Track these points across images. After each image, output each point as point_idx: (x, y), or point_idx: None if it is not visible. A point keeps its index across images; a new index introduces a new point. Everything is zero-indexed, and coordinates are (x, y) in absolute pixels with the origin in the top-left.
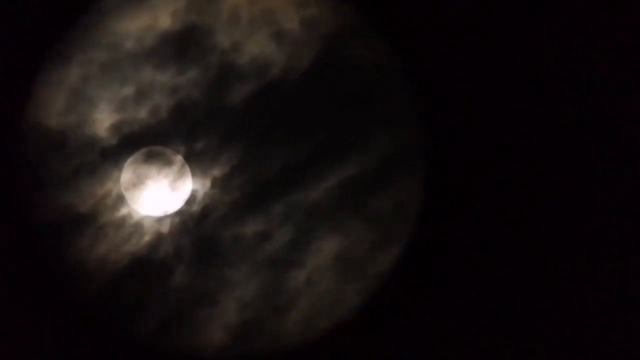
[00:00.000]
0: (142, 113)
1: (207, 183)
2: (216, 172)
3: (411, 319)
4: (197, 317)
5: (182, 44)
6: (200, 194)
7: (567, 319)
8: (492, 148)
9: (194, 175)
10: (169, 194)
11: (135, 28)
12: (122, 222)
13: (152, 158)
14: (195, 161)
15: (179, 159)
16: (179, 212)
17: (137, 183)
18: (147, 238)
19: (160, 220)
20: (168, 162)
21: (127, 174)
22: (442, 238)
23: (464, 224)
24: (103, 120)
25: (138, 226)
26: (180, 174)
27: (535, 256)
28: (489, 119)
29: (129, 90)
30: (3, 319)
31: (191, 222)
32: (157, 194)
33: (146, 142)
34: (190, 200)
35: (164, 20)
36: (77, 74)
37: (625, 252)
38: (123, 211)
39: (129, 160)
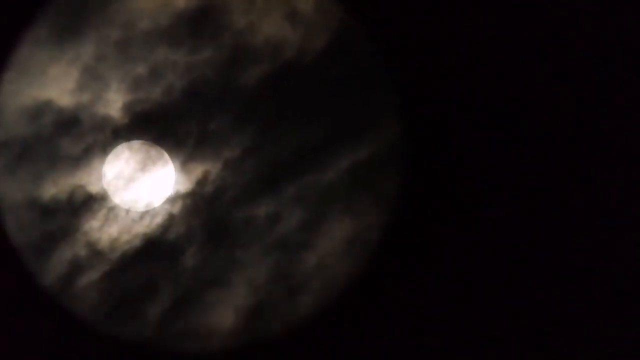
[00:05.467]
0: (155, 92)
1: (220, 164)
2: (229, 153)
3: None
4: (208, 298)
5: (197, 23)
6: (213, 175)
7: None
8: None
9: (206, 156)
10: (177, 177)
11: (151, 6)
12: (133, 202)
13: (156, 144)
14: (207, 142)
15: (190, 141)
16: (190, 193)
17: (143, 168)
18: (158, 219)
19: (172, 201)
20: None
21: (133, 157)
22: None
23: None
24: (116, 100)
25: (149, 207)
26: (188, 157)
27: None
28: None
29: (142, 69)
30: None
31: (203, 203)
32: (163, 179)
33: (159, 121)
34: (202, 182)
35: None
36: (90, 52)
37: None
38: (134, 192)
39: (133, 145)
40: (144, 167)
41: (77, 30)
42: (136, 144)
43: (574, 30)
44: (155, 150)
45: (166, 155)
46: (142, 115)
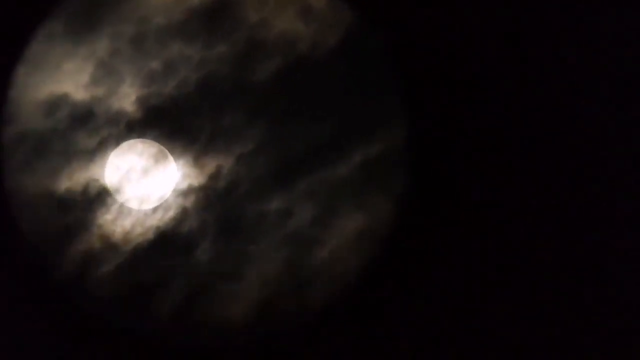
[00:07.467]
0: (169, 87)
1: (232, 159)
2: (241, 148)
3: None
4: (220, 292)
5: (211, 19)
6: (225, 169)
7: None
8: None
9: (219, 150)
10: (190, 171)
11: (165, 2)
12: (146, 196)
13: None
14: (220, 136)
15: (202, 137)
16: (203, 188)
17: (158, 160)
18: (171, 213)
19: (184, 195)
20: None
21: (147, 151)
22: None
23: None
24: (129, 94)
25: (163, 200)
26: (201, 152)
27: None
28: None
29: (156, 64)
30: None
31: (215, 197)
32: (176, 173)
33: (172, 116)
34: (215, 176)
35: None
36: (105, 47)
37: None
38: (148, 185)
39: (147, 138)
40: (157, 160)
41: (92, 25)
42: (150, 137)
43: (582, 32)
44: (168, 144)
45: (179, 149)
46: (155, 110)
